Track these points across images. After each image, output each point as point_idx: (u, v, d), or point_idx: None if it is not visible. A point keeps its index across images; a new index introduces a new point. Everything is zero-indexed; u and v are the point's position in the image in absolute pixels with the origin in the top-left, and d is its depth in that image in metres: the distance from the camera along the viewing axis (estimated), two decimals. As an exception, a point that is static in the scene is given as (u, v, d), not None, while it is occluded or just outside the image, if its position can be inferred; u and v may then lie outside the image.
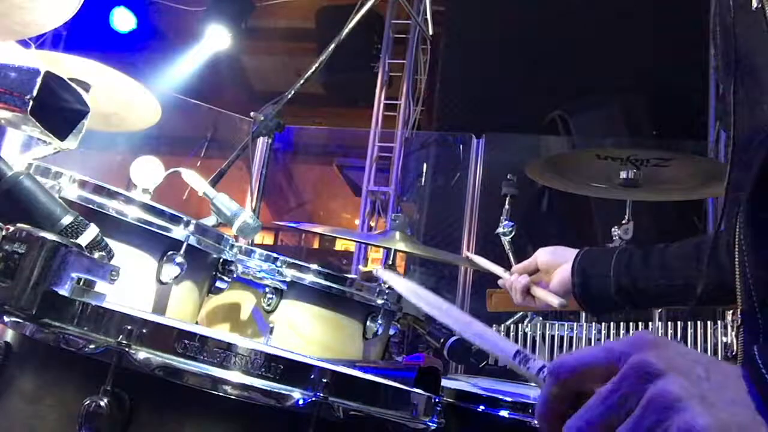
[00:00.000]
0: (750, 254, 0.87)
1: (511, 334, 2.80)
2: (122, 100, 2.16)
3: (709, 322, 2.56)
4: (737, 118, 0.90)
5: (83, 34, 5.61)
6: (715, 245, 1.15)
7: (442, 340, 1.79)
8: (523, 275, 1.50)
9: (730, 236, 0.91)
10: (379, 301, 1.81)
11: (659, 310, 2.69)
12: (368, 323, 1.80)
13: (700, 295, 1.15)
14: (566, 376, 0.59)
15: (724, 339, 2.53)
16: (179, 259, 1.39)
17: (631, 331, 2.67)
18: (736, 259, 0.90)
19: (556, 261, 1.44)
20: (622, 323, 2.70)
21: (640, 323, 2.68)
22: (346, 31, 2.41)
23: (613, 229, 2.78)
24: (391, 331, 1.94)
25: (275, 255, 1.73)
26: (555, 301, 1.40)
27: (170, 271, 1.39)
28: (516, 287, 1.50)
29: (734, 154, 0.90)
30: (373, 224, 5.48)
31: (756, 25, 0.85)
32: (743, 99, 0.90)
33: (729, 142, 0.92)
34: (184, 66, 6.61)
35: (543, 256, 1.48)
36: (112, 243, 1.13)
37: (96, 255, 1.03)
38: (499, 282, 1.58)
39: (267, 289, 1.70)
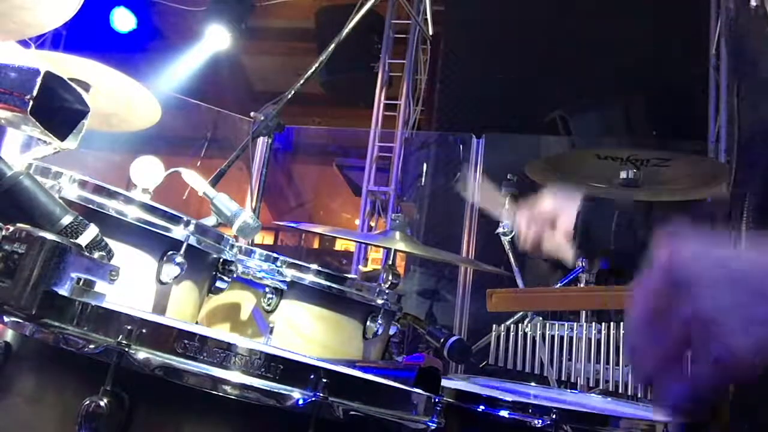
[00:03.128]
0: None
1: (511, 334, 2.80)
2: (122, 100, 2.16)
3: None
4: (741, 118, 0.91)
5: (83, 34, 5.61)
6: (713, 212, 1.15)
7: (442, 340, 1.79)
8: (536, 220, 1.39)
9: (736, 231, 0.92)
10: (379, 301, 1.81)
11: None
12: (368, 323, 1.80)
13: None
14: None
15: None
16: (179, 259, 1.39)
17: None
18: None
19: (561, 205, 1.36)
20: (622, 323, 2.70)
21: (640, 323, 2.67)
22: (346, 31, 2.41)
23: (613, 229, 2.78)
24: (391, 331, 1.94)
25: (275, 255, 1.73)
26: (569, 254, 1.32)
27: (170, 271, 1.39)
28: (529, 234, 1.39)
29: (738, 154, 0.91)
30: (373, 224, 5.48)
31: (759, 28, 0.86)
32: (746, 100, 0.91)
33: (733, 142, 0.93)
34: (184, 66, 6.61)
35: (549, 200, 1.38)
36: (112, 243, 1.13)
37: (96, 255, 1.03)
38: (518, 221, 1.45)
39: (267, 289, 1.70)
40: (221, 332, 1.65)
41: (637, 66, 4.75)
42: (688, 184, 2.75)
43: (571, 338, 2.74)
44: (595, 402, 1.98)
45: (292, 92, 2.37)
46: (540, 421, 1.42)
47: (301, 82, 2.37)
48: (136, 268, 1.36)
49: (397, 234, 2.11)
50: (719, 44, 4.74)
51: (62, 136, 1.08)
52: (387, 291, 1.84)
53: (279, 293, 1.70)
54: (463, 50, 5.38)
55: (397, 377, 1.16)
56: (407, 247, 2.11)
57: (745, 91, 0.91)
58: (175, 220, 1.40)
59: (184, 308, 1.48)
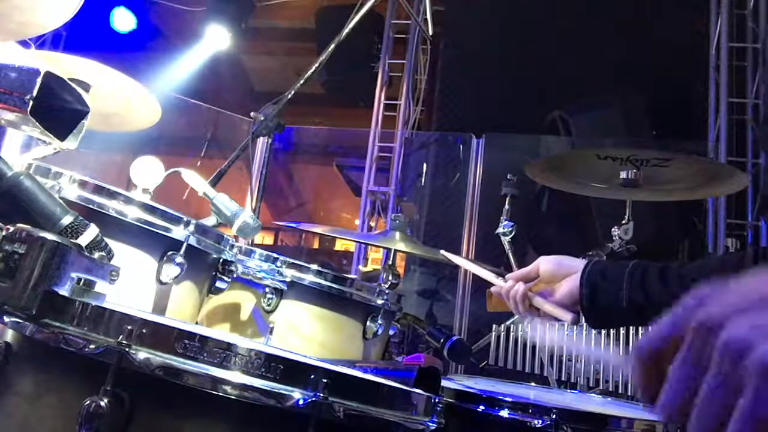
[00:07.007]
0: None
1: (511, 334, 2.80)
2: (122, 100, 2.16)
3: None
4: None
5: (83, 34, 5.61)
6: (741, 261, 1.12)
7: (442, 340, 1.79)
8: (520, 283, 1.43)
9: None
10: (379, 301, 1.81)
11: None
12: (368, 323, 1.80)
13: None
14: (648, 361, 0.57)
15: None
16: (179, 259, 1.39)
17: (630, 334, 2.67)
18: None
19: (561, 271, 1.38)
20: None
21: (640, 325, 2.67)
22: (346, 31, 2.40)
23: (613, 229, 2.78)
24: (391, 331, 1.94)
25: (275, 255, 1.73)
26: (567, 316, 1.32)
27: (170, 271, 1.39)
28: (515, 297, 1.42)
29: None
30: (373, 224, 5.48)
31: None
32: None
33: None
34: (184, 66, 6.61)
35: (546, 265, 1.41)
36: (112, 243, 1.13)
37: (96, 255, 1.03)
38: (493, 290, 1.49)
39: (267, 289, 1.70)
40: (221, 332, 1.65)
41: (637, 66, 4.76)
42: (688, 184, 2.75)
43: (571, 338, 2.74)
44: (595, 402, 1.98)
45: (292, 92, 2.36)
46: (540, 421, 1.42)
47: (301, 82, 2.37)
48: (136, 268, 1.36)
49: (397, 234, 2.12)
50: (719, 44, 4.75)
51: (62, 136, 1.08)
52: (387, 291, 1.85)
53: (279, 293, 1.71)
54: (463, 50, 5.38)
55: (397, 377, 1.16)
56: (407, 247, 2.11)
57: None
58: (175, 220, 1.40)
59: (184, 308, 1.48)
